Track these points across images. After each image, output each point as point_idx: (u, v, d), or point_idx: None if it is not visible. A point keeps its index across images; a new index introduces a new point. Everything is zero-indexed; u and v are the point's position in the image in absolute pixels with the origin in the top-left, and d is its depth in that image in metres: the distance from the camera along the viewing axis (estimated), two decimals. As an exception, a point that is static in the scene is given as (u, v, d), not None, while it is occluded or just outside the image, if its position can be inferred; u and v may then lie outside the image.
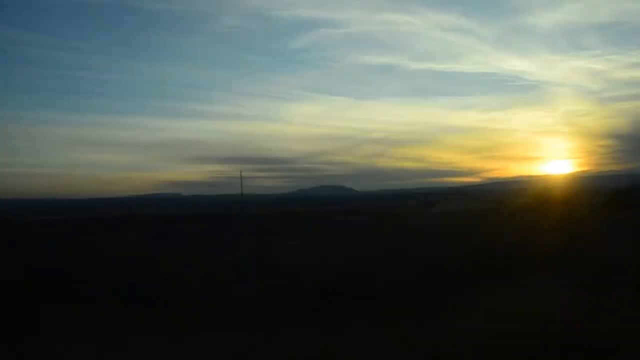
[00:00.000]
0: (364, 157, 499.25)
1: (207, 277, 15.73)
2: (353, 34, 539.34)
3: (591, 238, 21.65)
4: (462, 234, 25.89)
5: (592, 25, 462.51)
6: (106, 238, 30.99)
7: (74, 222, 53.34)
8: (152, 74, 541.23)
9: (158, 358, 8.86)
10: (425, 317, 10.10)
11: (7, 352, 9.10)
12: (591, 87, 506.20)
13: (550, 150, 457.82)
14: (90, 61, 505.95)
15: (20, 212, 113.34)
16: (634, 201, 61.15)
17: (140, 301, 12.83)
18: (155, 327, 10.50)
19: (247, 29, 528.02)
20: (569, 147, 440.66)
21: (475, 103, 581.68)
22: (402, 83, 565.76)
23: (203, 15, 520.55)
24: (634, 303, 10.04)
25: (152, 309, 11.99)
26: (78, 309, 12.06)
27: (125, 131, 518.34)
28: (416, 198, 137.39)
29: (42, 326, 10.81)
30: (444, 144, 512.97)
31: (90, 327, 10.53)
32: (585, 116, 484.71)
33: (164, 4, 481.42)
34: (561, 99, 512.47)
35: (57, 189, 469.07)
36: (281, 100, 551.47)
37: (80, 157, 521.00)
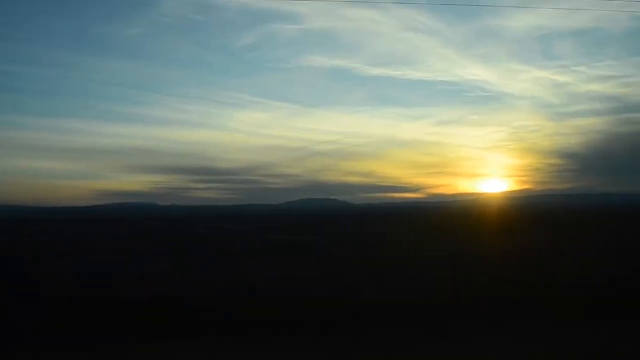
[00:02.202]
0: (311, 171, 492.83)
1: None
2: (308, 30, 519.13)
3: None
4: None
5: (565, 31, 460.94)
6: None
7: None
8: (77, 68, 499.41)
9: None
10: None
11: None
12: (551, 100, 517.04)
13: (496, 168, 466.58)
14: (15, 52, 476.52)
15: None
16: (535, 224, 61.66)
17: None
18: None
19: (189, 20, 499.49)
20: (516, 165, 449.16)
21: (428, 114, 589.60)
22: (354, 90, 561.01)
23: (140, 1, 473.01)
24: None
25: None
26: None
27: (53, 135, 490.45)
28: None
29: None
30: (392, 158, 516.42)
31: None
32: (538, 132, 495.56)
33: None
34: (516, 113, 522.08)
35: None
36: (226, 106, 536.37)
37: (8, 162, 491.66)
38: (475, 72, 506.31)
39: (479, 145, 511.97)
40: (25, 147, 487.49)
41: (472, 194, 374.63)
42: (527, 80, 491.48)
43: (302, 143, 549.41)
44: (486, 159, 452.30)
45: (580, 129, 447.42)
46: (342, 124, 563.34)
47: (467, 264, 27.22)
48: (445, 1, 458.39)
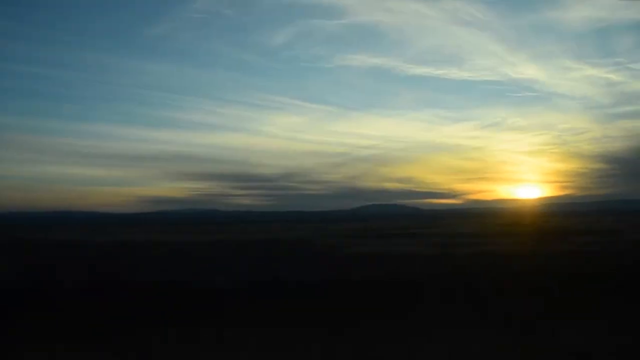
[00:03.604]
0: (349, 177, 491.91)
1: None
2: (348, 26, 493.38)
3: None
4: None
5: (625, 23, 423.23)
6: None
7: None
8: (107, 72, 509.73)
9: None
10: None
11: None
12: (600, 101, 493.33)
13: (537, 173, 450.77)
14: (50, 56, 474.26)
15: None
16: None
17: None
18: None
19: (222, 16, 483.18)
20: (558, 169, 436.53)
21: (469, 116, 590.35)
22: (394, 91, 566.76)
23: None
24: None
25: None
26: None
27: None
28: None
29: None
30: (430, 163, 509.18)
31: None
32: (582, 134, 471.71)
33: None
34: (562, 115, 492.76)
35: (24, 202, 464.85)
36: (262, 109, 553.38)
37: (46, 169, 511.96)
38: (524, 71, 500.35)
39: (520, 149, 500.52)
40: (64, 153, 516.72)
41: (511, 200, 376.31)
42: (578, 79, 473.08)
43: (341, 148, 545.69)
44: (527, 164, 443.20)
45: (628, 131, 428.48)
46: (381, 128, 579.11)
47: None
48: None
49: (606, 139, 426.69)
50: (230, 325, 14.12)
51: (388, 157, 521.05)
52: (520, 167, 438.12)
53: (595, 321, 13.68)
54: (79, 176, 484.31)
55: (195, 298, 19.23)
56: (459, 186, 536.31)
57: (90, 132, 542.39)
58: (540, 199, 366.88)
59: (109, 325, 14.10)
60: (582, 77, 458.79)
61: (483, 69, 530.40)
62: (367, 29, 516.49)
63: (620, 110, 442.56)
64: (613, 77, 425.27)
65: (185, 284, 23.50)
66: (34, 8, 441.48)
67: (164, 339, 12.72)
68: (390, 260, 34.42)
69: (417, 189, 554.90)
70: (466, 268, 27.82)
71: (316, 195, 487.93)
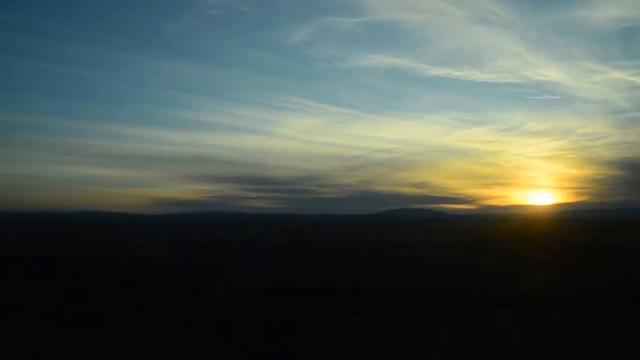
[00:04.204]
0: (363, 181, 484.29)
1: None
2: (366, 24, 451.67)
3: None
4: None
5: None
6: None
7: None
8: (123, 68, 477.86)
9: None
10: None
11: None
12: (622, 105, 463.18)
13: (552, 178, 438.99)
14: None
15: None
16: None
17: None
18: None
19: (237, 12, 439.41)
20: (574, 175, 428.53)
21: (487, 120, 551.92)
22: (412, 93, 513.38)
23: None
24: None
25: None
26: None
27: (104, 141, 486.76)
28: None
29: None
30: (446, 167, 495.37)
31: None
32: (600, 139, 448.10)
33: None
34: (581, 119, 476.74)
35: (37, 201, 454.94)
36: (277, 110, 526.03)
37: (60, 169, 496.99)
38: (546, 73, 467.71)
39: (537, 154, 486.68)
40: (78, 153, 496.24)
41: (524, 206, 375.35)
42: (600, 82, 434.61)
43: (357, 151, 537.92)
44: (543, 169, 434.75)
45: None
46: (398, 130, 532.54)
47: None
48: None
49: (625, 144, 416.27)
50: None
51: (404, 161, 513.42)
52: (536, 172, 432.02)
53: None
54: (92, 176, 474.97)
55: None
56: (475, 191, 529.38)
57: (104, 132, 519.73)
58: (554, 205, 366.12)
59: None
60: (604, 80, 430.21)
61: (504, 70, 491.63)
62: (387, 28, 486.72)
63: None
64: (637, 80, 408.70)
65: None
66: (44, 3, 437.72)
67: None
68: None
69: (433, 194, 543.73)
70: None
71: (332, 198, 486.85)
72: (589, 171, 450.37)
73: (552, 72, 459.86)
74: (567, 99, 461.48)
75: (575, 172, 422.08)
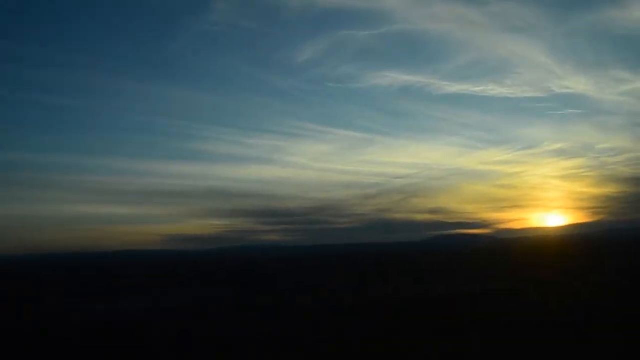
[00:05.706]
0: (378, 211, 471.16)
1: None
2: (382, 36, 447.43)
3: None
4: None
5: None
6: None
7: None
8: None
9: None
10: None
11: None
12: None
13: (571, 198, 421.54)
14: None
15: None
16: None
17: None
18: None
19: (242, 29, 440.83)
20: (593, 194, 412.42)
21: (505, 139, 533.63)
22: (428, 112, 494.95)
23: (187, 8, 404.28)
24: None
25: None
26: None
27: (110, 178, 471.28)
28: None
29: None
30: (462, 191, 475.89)
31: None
32: (621, 155, 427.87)
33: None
34: (604, 133, 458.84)
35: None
36: (287, 137, 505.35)
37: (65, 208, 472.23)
38: (569, 84, 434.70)
39: (555, 173, 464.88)
40: (83, 190, 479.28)
41: (541, 229, 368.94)
42: (628, 92, 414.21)
43: (372, 178, 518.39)
44: (561, 189, 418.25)
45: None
46: (413, 154, 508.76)
47: None
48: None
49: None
50: None
51: (421, 187, 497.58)
52: (554, 192, 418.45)
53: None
54: (98, 215, 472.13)
55: None
56: (491, 215, 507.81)
57: (105, 168, 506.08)
58: (571, 225, 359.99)
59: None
60: (632, 90, 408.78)
61: (525, 83, 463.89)
62: (403, 39, 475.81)
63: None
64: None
65: None
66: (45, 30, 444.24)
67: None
68: None
69: (445, 220, 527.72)
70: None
71: (345, 228, 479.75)
72: (607, 189, 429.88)
73: (576, 84, 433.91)
74: (589, 113, 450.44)
75: (592, 190, 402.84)
